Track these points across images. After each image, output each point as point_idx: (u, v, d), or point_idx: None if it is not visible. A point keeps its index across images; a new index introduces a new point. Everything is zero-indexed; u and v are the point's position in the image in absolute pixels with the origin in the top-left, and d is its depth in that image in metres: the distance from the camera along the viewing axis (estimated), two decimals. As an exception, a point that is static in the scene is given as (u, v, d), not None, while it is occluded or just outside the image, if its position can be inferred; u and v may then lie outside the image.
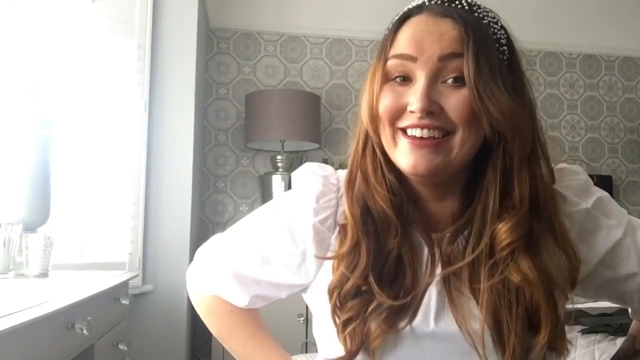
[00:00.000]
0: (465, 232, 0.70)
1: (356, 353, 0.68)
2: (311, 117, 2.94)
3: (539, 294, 0.64)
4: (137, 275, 2.27)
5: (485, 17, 0.70)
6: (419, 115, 0.65)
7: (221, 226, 3.13)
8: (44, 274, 1.54)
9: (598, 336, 1.91)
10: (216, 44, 3.27)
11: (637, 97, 3.71)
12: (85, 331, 1.17)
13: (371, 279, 0.68)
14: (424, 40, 0.66)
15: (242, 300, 0.85)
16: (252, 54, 3.29)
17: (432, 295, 0.69)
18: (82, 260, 2.11)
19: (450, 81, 0.66)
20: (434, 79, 0.66)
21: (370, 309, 0.67)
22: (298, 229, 0.77)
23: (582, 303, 2.72)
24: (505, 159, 0.67)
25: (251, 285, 0.83)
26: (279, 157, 2.93)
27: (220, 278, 0.86)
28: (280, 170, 2.93)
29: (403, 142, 0.68)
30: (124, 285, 1.77)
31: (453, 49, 0.65)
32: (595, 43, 3.63)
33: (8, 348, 0.85)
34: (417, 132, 0.66)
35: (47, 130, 1.70)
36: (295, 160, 3.03)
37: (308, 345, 2.48)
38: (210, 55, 3.25)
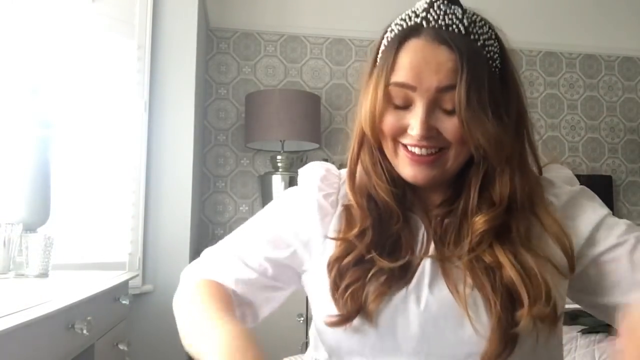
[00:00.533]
0: (452, 217, 0.78)
1: (355, 314, 0.72)
2: (311, 117, 2.94)
3: (513, 274, 0.70)
4: (137, 275, 2.26)
5: (480, 38, 0.75)
6: (416, 137, 0.73)
7: (221, 226, 3.13)
8: (44, 274, 1.54)
9: (598, 336, 1.91)
10: (216, 44, 3.27)
11: (637, 97, 3.71)
12: (85, 331, 1.17)
13: (373, 251, 0.76)
14: (422, 71, 0.72)
15: (245, 278, 0.84)
16: (252, 54, 3.29)
17: (426, 266, 0.76)
18: (82, 260, 2.11)
19: (446, 108, 0.73)
20: (432, 107, 0.73)
21: (370, 275, 0.74)
22: (303, 205, 0.84)
23: (582, 303, 2.72)
24: (488, 166, 0.76)
25: (256, 268, 0.84)
26: (279, 157, 2.93)
27: (224, 261, 0.86)
28: (280, 170, 2.93)
29: (403, 156, 0.76)
30: (124, 285, 1.77)
31: (449, 82, 0.71)
32: (595, 43, 3.63)
33: (8, 348, 0.85)
34: (416, 150, 0.75)
35: (47, 130, 1.70)
36: (295, 160, 3.03)
37: (308, 345, 2.48)
38: (210, 55, 3.25)
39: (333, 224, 0.82)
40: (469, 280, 0.72)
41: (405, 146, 0.76)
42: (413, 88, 0.73)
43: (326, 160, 3.06)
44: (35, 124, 1.66)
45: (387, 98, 0.75)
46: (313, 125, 2.95)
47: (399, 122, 0.75)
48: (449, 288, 0.73)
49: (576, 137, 3.58)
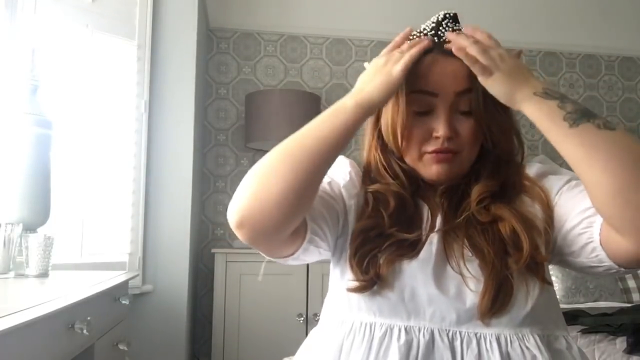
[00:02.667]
0: (456, 193, 0.88)
1: (374, 278, 0.81)
2: (311, 117, 2.87)
3: (514, 223, 0.81)
4: (137, 275, 2.27)
5: None
6: (441, 140, 0.83)
7: (221, 226, 3.13)
8: (44, 274, 1.54)
9: (598, 336, 1.91)
10: (216, 44, 3.27)
11: (637, 97, 3.71)
12: (85, 331, 1.17)
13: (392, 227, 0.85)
14: (441, 79, 0.83)
15: None
16: (252, 54, 3.29)
17: (432, 240, 0.85)
18: (82, 260, 2.11)
19: (461, 111, 0.84)
20: (452, 110, 0.84)
21: (385, 246, 0.84)
22: (349, 179, 0.92)
23: (582, 303, 2.72)
24: (494, 155, 0.87)
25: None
26: (279, 157, 2.93)
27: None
28: (280, 170, 2.92)
29: (427, 157, 0.85)
30: (124, 285, 1.77)
31: (466, 86, 0.82)
32: (595, 43, 3.63)
33: (8, 348, 0.85)
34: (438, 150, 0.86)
35: (47, 130, 1.70)
36: (295, 160, 3.03)
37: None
38: (210, 55, 3.25)
39: (354, 199, 0.90)
40: (467, 244, 0.83)
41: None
42: (434, 95, 0.83)
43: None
44: (35, 124, 1.66)
45: (409, 105, 0.84)
46: (313, 125, 2.95)
47: (424, 129, 0.84)
48: (448, 258, 0.83)
49: (576, 137, 3.58)
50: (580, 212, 0.80)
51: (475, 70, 0.78)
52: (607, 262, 0.77)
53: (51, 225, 1.75)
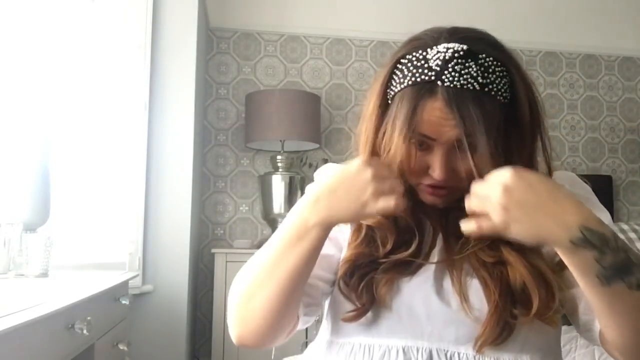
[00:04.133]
0: (458, 212, 0.82)
1: (370, 304, 0.80)
2: (311, 117, 2.94)
3: (525, 276, 0.76)
4: (137, 275, 2.27)
5: (494, 86, 0.77)
6: (439, 180, 0.79)
7: (221, 226, 3.13)
8: (44, 274, 1.54)
9: (598, 336, 1.90)
10: (216, 44, 3.27)
11: (637, 97, 3.71)
12: (85, 331, 1.17)
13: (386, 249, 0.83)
14: (442, 126, 0.77)
15: None
16: (252, 54, 3.29)
17: (432, 258, 0.83)
18: (82, 260, 2.11)
19: (464, 148, 0.77)
20: (450, 151, 0.79)
21: (380, 268, 0.81)
22: None
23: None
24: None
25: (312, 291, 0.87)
26: (279, 157, 2.93)
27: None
28: (280, 170, 2.93)
29: (423, 187, 0.83)
30: (124, 285, 1.77)
31: (467, 132, 0.75)
32: (595, 43, 3.63)
33: (8, 348, 0.85)
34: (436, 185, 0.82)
35: (48, 130, 1.70)
36: (295, 160, 3.03)
37: (308, 346, 2.48)
38: (210, 55, 3.25)
39: (348, 230, 0.87)
40: (469, 269, 0.79)
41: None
42: (433, 140, 0.79)
43: (326, 160, 3.07)
44: (36, 124, 1.66)
45: (409, 143, 0.80)
46: (313, 125, 2.95)
47: (420, 162, 0.81)
48: (451, 278, 0.80)
49: (576, 137, 3.58)
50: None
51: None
52: (597, 343, 0.79)
53: (51, 225, 1.75)
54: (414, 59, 0.79)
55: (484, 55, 0.77)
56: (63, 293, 1.26)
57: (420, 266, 0.82)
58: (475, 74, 0.76)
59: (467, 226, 0.69)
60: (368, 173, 0.71)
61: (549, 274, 0.76)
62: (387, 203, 0.70)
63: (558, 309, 0.77)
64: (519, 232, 0.66)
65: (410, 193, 0.83)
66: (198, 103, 2.70)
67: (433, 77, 0.77)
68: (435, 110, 0.77)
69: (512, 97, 0.79)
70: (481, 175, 0.75)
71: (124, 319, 1.77)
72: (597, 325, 0.77)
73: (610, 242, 0.65)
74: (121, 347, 1.64)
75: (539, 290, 0.75)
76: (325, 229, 0.74)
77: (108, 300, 1.55)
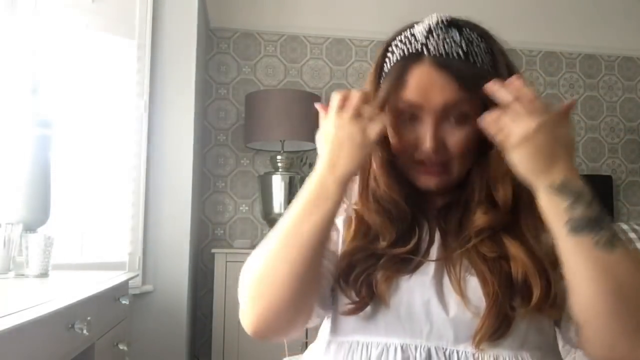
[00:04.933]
0: (455, 210, 0.85)
1: (369, 299, 0.79)
2: (311, 117, 2.92)
3: (527, 268, 0.76)
4: (137, 275, 2.27)
5: (478, 57, 0.80)
6: (427, 152, 0.80)
7: (221, 226, 3.13)
8: (44, 274, 1.54)
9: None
10: (216, 44, 3.27)
11: (637, 97, 3.71)
12: (85, 331, 1.17)
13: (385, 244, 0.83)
14: (429, 91, 0.78)
15: None
16: (252, 54, 3.29)
17: (430, 255, 0.83)
18: (82, 260, 2.11)
19: (453, 120, 0.80)
20: (440, 121, 0.80)
21: (379, 264, 0.81)
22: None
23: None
24: (491, 165, 0.81)
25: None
26: (279, 157, 2.93)
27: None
28: (280, 170, 2.93)
29: (416, 166, 0.83)
30: (124, 285, 1.77)
31: (455, 98, 0.78)
32: (595, 43, 3.63)
33: (8, 348, 0.85)
34: (427, 161, 0.82)
35: (47, 130, 1.70)
36: (295, 160, 3.03)
37: (308, 346, 2.48)
38: (210, 55, 3.25)
39: (345, 221, 0.88)
40: (468, 266, 0.79)
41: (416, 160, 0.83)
42: (421, 106, 0.79)
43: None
44: (35, 124, 1.66)
45: (397, 115, 0.81)
46: (313, 125, 2.92)
47: (409, 135, 0.82)
48: (449, 276, 0.80)
49: (576, 137, 3.58)
50: None
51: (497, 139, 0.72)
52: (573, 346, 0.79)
53: (51, 225, 1.75)
54: (402, 37, 0.83)
55: (468, 30, 0.81)
56: (63, 293, 1.26)
57: (419, 264, 0.82)
58: (458, 41, 0.79)
59: (489, 117, 0.72)
60: (345, 117, 0.76)
61: (547, 265, 0.77)
62: (376, 128, 0.75)
63: (555, 304, 0.77)
64: (520, 156, 0.70)
65: (408, 195, 0.85)
66: (198, 103, 2.70)
67: (419, 48, 0.80)
68: (422, 75, 0.79)
69: (496, 77, 0.79)
70: (470, 148, 0.80)
71: (124, 319, 1.77)
72: (573, 326, 0.76)
73: (584, 197, 0.69)
74: (121, 347, 1.64)
75: (540, 280, 0.75)
76: (343, 186, 0.76)
77: (108, 300, 1.55)
